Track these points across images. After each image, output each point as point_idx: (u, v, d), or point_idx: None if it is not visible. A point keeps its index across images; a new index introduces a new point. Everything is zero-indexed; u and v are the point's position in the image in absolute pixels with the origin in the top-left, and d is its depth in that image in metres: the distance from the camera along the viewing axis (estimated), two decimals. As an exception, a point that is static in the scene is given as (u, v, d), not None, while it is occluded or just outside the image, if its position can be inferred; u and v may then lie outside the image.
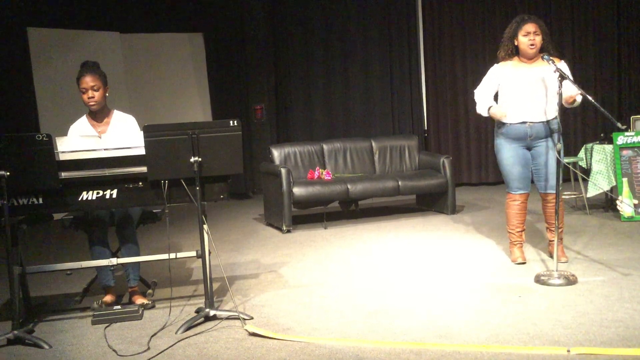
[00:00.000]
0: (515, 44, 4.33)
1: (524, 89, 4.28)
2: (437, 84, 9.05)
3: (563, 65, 4.28)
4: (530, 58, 4.31)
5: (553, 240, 4.54)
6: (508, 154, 4.39)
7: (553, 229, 4.51)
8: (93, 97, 3.95)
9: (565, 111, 4.31)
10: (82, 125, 4.07)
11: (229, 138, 3.60)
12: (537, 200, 4.59)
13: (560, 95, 3.97)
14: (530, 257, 4.65)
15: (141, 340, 3.42)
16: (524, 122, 4.31)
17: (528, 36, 4.25)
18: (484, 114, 4.44)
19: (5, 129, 6.95)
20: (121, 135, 3.93)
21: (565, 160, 5.78)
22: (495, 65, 4.46)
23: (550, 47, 4.31)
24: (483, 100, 4.44)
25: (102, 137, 3.97)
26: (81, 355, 3.29)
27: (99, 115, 4.06)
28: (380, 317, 3.56)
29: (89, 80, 3.92)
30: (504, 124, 4.36)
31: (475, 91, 4.52)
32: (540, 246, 4.95)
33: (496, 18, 8.83)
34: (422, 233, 5.90)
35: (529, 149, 4.39)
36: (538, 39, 4.25)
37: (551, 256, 4.55)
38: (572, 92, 4.09)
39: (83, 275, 4.71)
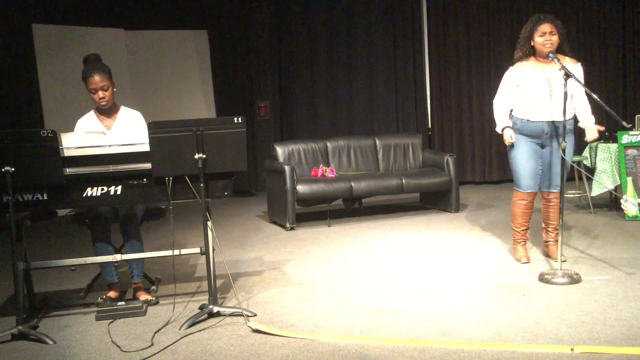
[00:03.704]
0: (532, 44, 4.31)
1: (543, 88, 4.27)
2: (441, 82, 9.04)
3: (578, 69, 4.28)
4: (547, 58, 4.29)
5: (549, 241, 4.56)
6: (522, 149, 4.37)
7: (550, 229, 4.51)
8: (104, 97, 3.97)
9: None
10: (89, 120, 4.09)
11: (233, 135, 3.60)
12: (538, 199, 4.57)
13: (565, 94, 3.96)
14: (534, 256, 4.65)
15: (145, 336, 3.43)
16: (542, 121, 4.30)
17: (544, 36, 4.22)
18: (498, 130, 4.51)
19: (10, 125, 6.96)
20: (127, 131, 3.94)
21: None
22: (510, 68, 4.44)
23: (566, 48, 4.29)
24: (501, 115, 4.46)
25: (108, 132, 3.98)
26: (85, 350, 3.30)
27: (106, 110, 4.08)
28: (384, 315, 3.57)
29: (97, 81, 3.93)
30: (520, 119, 4.35)
31: (494, 101, 4.50)
32: (542, 245, 4.94)
33: (501, 16, 8.81)
34: (425, 231, 5.89)
35: (542, 147, 4.38)
36: (554, 39, 4.22)
37: (547, 257, 4.55)
38: (591, 133, 4.24)
39: (87, 271, 4.72)
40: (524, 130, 4.35)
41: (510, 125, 4.43)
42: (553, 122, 4.30)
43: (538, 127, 4.32)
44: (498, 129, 4.51)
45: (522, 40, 4.37)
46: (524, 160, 4.38)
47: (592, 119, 4.34)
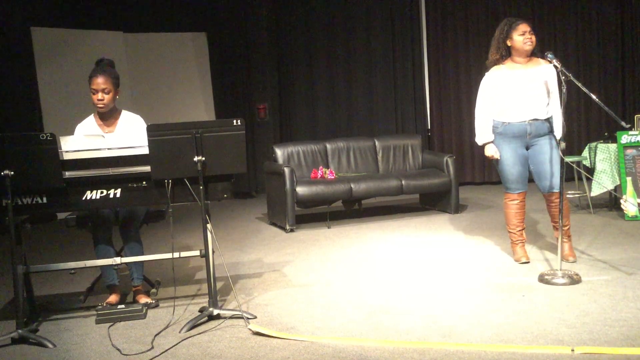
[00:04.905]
0: (509, 44, 4.33)
1: (522, 88, 4.29)
2: (440, 82, 9.04)
3: (551, 69, 4.29)
4: (526, 57, 4.31)
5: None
6: (507, 154, 4.39)
7: (558, 227, 4.50)
8: (102, 100, 3.95)
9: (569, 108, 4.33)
10: (89, 125, 4.07)
11: (233, 137, 3.60)
12: (538, 199, 4.57)
13: (565, 94, 3.96)
14: (534, 256, 4.64)
15: (145, 340, 3.43)
16: (524, 120, 4.31)
17: (524, 35, 4.26)
18: (478, 142, 4.52)
19: (9, 129, 6.97)
20: (128, 135, 3.93)
21: (569, 159, 5.77)
22: (487, 73, 4.44)
23: (537, 50, 4.33)
24: (482, 128, 4.46)
25: (109, 136, 3.97)
26: (85, 354, 3.30)
27: (106, 115, 4.06)
28: (384, 316, 3.56)
29: (100, 82, 3.92)
30: (502, 122, 4.37)
31: (476, 111, 4.49)
32: (544, 245, 4.94)
33: (500, 17, 8.74)
34: (425, 232, 5.89)
35: (526, 148, 4.39)
36: (534, 38, 4.28)
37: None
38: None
39: (87, 274, 4.72)
40: (507, 133, 4.36)
41: (492, 139, 4.44)
42: (535, 120, 4.30)
43: (520, 128, 4.33)
44: (478, 142, 4.51)
45: (496, 42, 4.39)
46: (509, 165, 4.40)
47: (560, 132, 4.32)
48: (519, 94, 4.30)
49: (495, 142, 4.43)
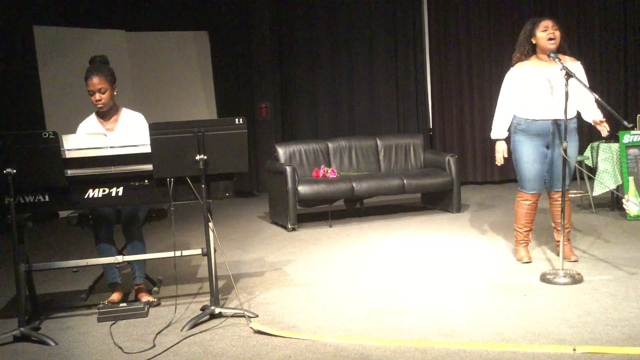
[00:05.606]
0: (533, 42, 4.29)
1: (547, 86, 4.25)
2: (442, 82, 9.03)
3: (578, 67, 4.26)
4: (549, 56, 4.27)
5: (560, 241, 4.53)
6: (528, 151, 4.35)
7: (560, 228, 4.49)
8: (100, 100, 3.96)
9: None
10: (90, 124, 4.08)
11: (235, 136, 3.61)
12: (543, 199, 4.56)
13: (567, 93, 3.95)
14: (536, 255, 4.64)
15: (147, 338, 3.43)
16: (548, 119, 4.28)
17: (547, 30, 4.21)
18: (492, 137, 4.54)
19: (11, 127, 6.97)
20: (129, 133, 3.94)
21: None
22: (511, 69, 4.41)
23: (566, 47, 4.29)
24: (499, 123, 4.47)
25: (110, 134, 3.98)
26: (87, 352, 3.30)
27: (107, 113, 4.07)
28: (385, 315, 3.57)
29: (95, 83, 3.92)
30: (525, 119, 4.34)
31: (497, 106, 4.48)
32: (546, 245, 4.94)
33: (502, 17, 8.81)
34: (427, 232, 5.89)
35: (547, 147, 4.37)
36: (557, 34, 4.21)
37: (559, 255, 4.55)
38: (597, 117, 4.19)
39: (89, 272, 4.73)
40: (530, 130, 4.33)
41: (504, 137, 4.44)
42: (559, 120, 4.27)
43: (544, 126, 4.30)
44: (492, 136, 4.53)
45: (521, 41, 4.36)
46: (529, 163, 4.36)
47: (598, 114, 4.26)
48: (542, 92, 4.26)
49: (517, 138, 4.39)
